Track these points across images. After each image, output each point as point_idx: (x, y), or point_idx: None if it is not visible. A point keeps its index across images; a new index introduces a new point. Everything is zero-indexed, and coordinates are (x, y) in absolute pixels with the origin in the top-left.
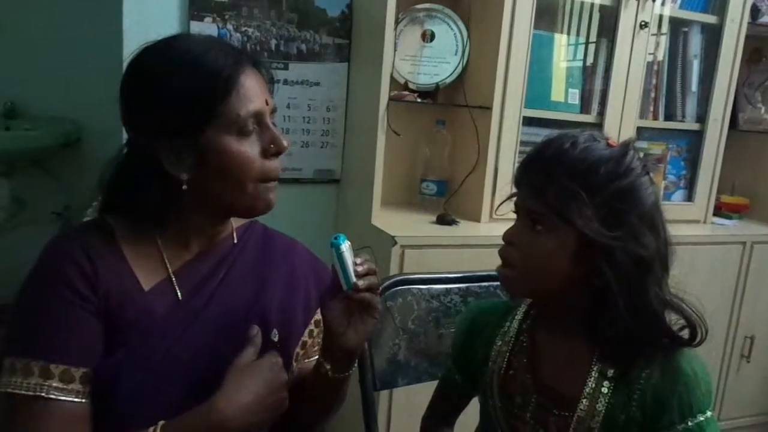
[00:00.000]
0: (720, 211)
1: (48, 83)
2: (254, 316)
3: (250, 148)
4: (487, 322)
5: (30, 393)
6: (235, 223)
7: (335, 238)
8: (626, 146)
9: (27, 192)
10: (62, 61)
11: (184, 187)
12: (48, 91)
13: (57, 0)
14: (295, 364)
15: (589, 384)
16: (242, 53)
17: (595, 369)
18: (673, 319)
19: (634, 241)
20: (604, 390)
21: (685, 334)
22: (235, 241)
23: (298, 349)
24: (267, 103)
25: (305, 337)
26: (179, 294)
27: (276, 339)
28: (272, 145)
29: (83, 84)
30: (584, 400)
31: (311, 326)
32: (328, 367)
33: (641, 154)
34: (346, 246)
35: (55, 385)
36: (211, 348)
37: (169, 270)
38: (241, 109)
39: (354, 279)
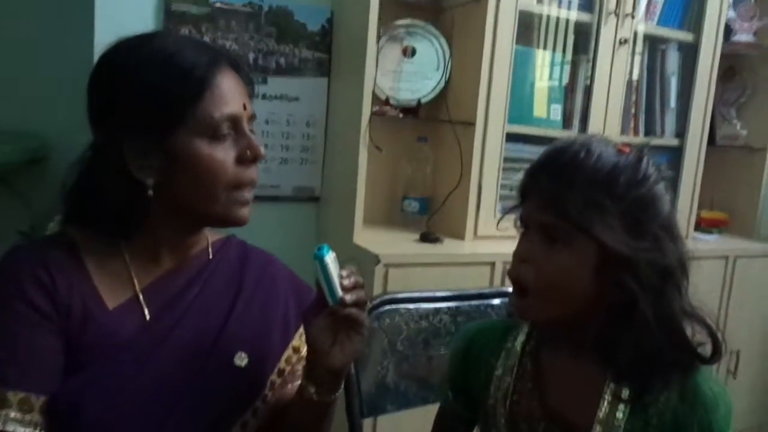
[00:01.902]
0: (699, 226)
1: (13, 98)
2: (225, 338)
3: (223, 154)
4: (486, 344)
5: None
6: (211, 237)
7: (319, 249)
8: (640, 152)
9: None
10: (29, 76)
11: (150, 192)
12: (13, 106)
13: (25, 13)
14: (270, 393)
15: (603, 408)
16: (220, 53)
17: (608, 392)
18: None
19: (659, 251)
20: (619, 415)
21: (704, 349)
22: (210, 256)
23: (273, 377)
24: (245, 108)
25: (282, 364)
26: (147, 314)
27: (244, 364)
28: (248, 152)
29: (51, 99)
30: (598, 426)
31: (288, 351)
32: (313, 390)
33: (655, 161)
34: (330, 257)
35: (12, 415)
36: (180, 373)
37: (137, 287)
38: (215, 111)
39: (340, 293)
